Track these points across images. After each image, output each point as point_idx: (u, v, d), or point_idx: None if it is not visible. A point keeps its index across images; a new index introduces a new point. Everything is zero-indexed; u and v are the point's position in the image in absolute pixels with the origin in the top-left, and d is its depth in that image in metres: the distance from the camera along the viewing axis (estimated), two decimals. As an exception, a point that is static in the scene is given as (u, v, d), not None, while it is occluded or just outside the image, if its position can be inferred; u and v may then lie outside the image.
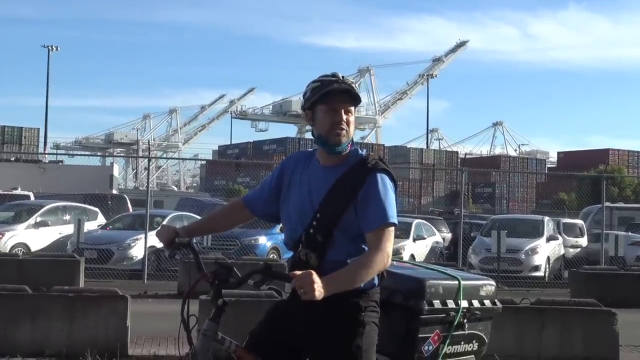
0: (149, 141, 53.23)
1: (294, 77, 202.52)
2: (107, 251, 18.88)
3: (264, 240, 19.80)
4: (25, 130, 77.47)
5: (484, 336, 4.28)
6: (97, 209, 22.85)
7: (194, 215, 23.25)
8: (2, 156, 58.42)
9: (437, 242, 23.94)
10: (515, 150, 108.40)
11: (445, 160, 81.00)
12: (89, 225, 20.15)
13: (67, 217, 21.05)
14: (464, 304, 4.13)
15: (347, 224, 3.64)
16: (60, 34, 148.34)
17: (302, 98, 3.86)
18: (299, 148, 77.38)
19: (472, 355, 4.25)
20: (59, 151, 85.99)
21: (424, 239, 23.02)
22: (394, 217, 3.65)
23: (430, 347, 4.05)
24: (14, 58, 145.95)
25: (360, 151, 3.82)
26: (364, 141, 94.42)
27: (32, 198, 26.34)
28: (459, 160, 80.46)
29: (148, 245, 18.20)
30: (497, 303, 4.33)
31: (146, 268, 18.03)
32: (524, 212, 59.41)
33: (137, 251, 18.97)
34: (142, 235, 18.53)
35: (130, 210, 24.93)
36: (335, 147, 3.72)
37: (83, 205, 22.84)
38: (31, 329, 8.48)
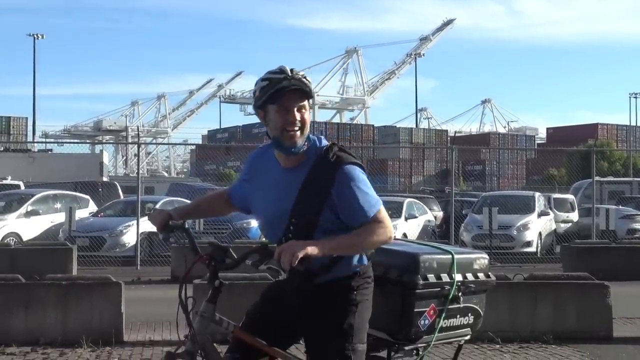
0: (137, 127, 52.87)
1: (281, 60, 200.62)
2: (99, 238, 18.86)
3: (256, 224, 19.76)
4: (13, 119, 76.95)
5: (479, 309, 4.33)
6: (88, 197, 22.81)
7: (186, 201, 23.17)
8: (-10, 146, 58.19)
9: (429, 221, 24.01)
10: (505, 127, 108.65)
11: (435, 139, 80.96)
12: (80, 213, 20.13)
13: (58, 206, 21.02)
14: (458, 277, 4.18)
15: (325, 222, 3.59)
16: (45, 22, 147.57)
17: (252, 96, 3.70)
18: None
19: (468, 328, 4.30)
20: (47, 140, 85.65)
21: (416, 217, 23.08)
22: (379, 201, 3.64)
23: (427, 322, 4.10)
24: (0, 47, 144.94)
25: (318, 142, 3.69)
26: (354, 122, 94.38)
27: (23, 187, 26.27)
28: (449, 138, 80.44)
29: (140, 231, 18.19)
30: (491, 276, 4.38)
31: (139, 254, 18.03)
32: (514, 188, 59.47)
33: (129, 238, 18.95)
34: (134, 222, 18.53)
35: (121, 197, 24.90)
36: (290, 149, 3.60)
37: (74, 193, 22.81)
38: (25, 318, 8.48)
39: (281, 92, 3.55)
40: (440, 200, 30.03)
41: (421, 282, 4.03)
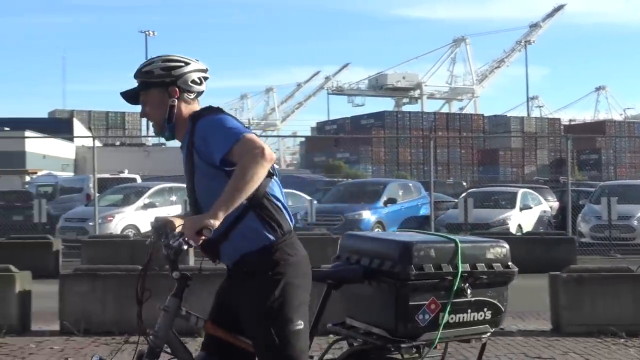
0: (249, 120, 53.62)
1: (388, 50, 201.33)
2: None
3: (368, 215, 19.73)
4: (128, 115, 79.28)
5: (497, 303, 3.89)
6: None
7: (297, 192, 23.44)
8: (107, 141, 60.13)
9: (544, 212, 23.36)
10: (621, 114, 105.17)
11: (548, 128, 79.24)
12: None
13: (174, 198, 21.40)
14: (464, 267, 3.79)
15: (203, 187, 3.61)
16: (156, 20, 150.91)
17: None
18: (397, 122, 76.91)
19: (486, 325, 3.90)
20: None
21: (531, 208, 22.49)
22: (244, 130, 3.55)
23: (427, 316, 3.74)
24: (113, 45, 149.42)
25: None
26: (463, 112, 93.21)
27: (139, 181, 26.95)
28: (562, 127, 78.53)
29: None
30: (511, 266, 3.93)
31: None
32: (633, 178, 57.60)
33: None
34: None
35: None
36: (164, 138, 3.86)
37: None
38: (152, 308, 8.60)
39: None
40: (556, 190, 29.21)
41: (414, 272, 3.68)
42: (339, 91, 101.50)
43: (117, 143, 56.18)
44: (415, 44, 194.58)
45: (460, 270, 3.77)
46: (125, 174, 29.08)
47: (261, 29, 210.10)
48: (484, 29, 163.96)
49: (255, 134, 3.57)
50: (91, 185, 22.70)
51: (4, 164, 34.28)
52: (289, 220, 3.70)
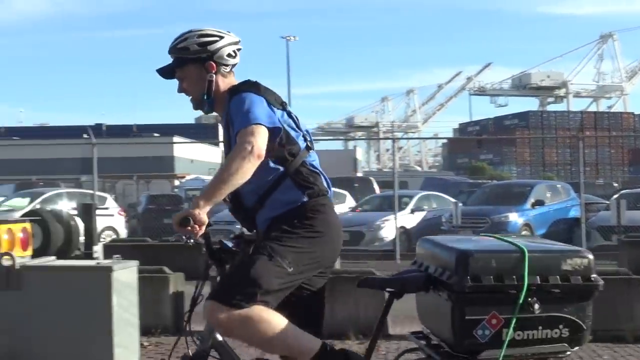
0: (392, 123, 53.60)
1: (532, 49, 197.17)
2: (358, 233, 19.15)
3: (515, 217, 19.26)
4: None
5: (577, 320, 3.49)
6: (345, 192, 23.28)
7: (441, 195, 23.18)
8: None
9: None
10: None
11: None
12: (339, 208, 20.54)
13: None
14: (532, 280, 3.42)
15: None
16: (297, 25, 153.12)
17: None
18: (542, 121, 75.04)
19: (563, 344, 3.50)
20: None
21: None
22: (258, 119, 3.52)
23: (487, 332, 3.43)
24: (254, 51, 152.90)
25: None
26: (611, 110, 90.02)
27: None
28: None
29: (398, 225, 18.28)
30: (595, 279, 3.49)
31: (398, 248, 18.09)
32: None
33: (388, 232, 19.11)
34: (392, 216, 18.63)
35: (377, 191, 25.21)
36: (203, 112, 3.93)
37: (333, 189, 23.36)
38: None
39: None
40: None
41: (469, 284, 3.37)
42: (480, 91, 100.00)
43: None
44: (560, 42, 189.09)
45: (526, 283, 3.43)
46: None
47: (402, 31, 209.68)
48: (633, 24, 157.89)
49: (264, 125, 3.54)
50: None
51: (155, 168, 35.62)
52: (326, 185, 3.76)
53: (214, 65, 3.74)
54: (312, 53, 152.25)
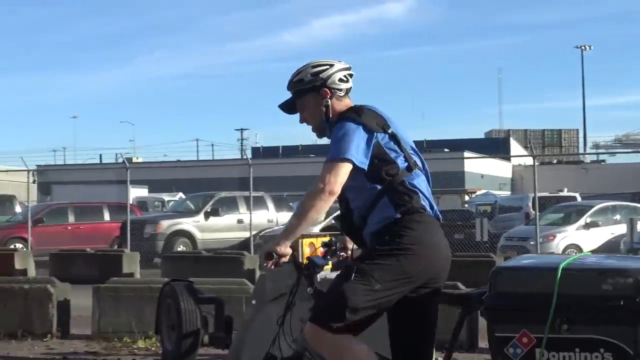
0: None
1: None
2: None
3: None
4: (565, 132, 78.33)
5: (621, 344, 3.15)
6: (646, 207, 21.98)
7: None
8: (544, 159, 59.88)
9: None
10: None
11: None
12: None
13: (618, 217, 20.59)
14: (564, 298, 3.20)
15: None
16: (592, 34, 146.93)
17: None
18: None
19: None
20: (599, 151, 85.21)
21: None
22: (345, 153, 3.78)
23: (519, 350, 3.30)
24: (548, 62, 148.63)
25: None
26: None
27: (579, 199, 26.32)
28: None
29: None
30: None
31: None
32: None
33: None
34: None
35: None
36: (323, 138, 4.17)
37: (633, 204, 22.17)
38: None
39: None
40: None
41: (494, 300, 3.37)
42: None
43: (554, 161, 55.66)
44: None
45: (554, 301, 3.19)
46: (565, 192, 28.67)
47: None
48: None
49: (348, 160, 3.79)
50: (530, 204, 22.62)
51: (444, 184, 35.66)
52: (424, 204, 3.91)
53: (328, 91, 4.03)
54: (606, 63, 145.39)
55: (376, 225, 3.86)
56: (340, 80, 4.05)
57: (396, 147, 3.94)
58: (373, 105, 4.04)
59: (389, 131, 3.93)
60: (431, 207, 3.96)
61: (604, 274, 3.29)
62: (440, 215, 4.00)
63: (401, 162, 3.93)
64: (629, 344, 3.20)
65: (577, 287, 3.27)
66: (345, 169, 3.79)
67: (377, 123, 3.90)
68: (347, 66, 4.11)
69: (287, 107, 4.17)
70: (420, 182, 3.98)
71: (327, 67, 4.04)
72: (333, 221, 19.96)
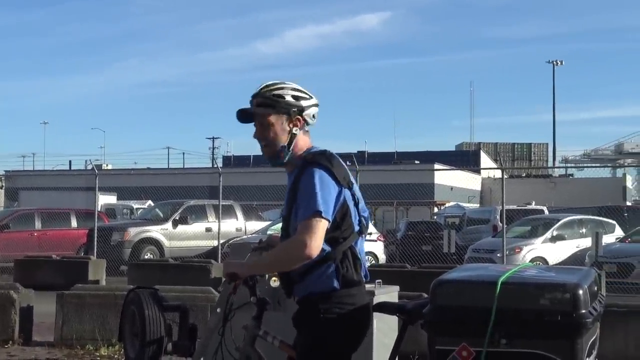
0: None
1: None
2: (628, 265, 18.07)
3: None
4: (534, 146, 78.95)
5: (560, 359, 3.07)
6: (613, 222, 22.20)
7: None
8: (513, 172, 60.29)
9: None
10: None
11: None
12: (607, 239, 19.58)
13: (584, 230, 20.78)
14: (502, 313, 3.16)
15: (295, 226, 3.66)
16: (563, 49, 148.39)
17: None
18: None
19: None
20: (567, 165, 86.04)
21: None
22: (325, 212, 3.56)
23: None
24: (519, 77, 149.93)
25: (312, 150, 3.82)
26: None
27: (546, 212, 26.53)
28: None
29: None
30: (580, 315, 3.12)
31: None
32: None
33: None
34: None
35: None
36: (270, 162, 3.89)
37: (599, 218, 22.38)
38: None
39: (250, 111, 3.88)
40: None
41: (434, 312, 3.36)
42: None
43: (523, 174, 56.08)
44: None
45: (493, 315, 3.19)
46: (532, 206, 28.87)
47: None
48: None
49: (326, 219, 3.57)
50: (498, 216, 22.75)
51: (414, 195, 35.82)
52: (363, 275, 3.77)
53: (302, 120, 3.83)
54: (578, 77, 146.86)
55: (312, 287, 3.70)
56: (313, 116, 3.87)
57: (354, 207, 3.76)
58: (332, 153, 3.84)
59: (353, 189, 3.76)
60: (366, 274, 3.84)
61: (542, 288, 3.29)
62: (369, 275, 3.88)
63: (356, 225, 3.75)
64: (567, 358, 3.22)
65: (515, 301, 3.25)
66: (324, 228, 3.58)
67: (344, 177, 3.71)
68: (318, 103, 3.93)
69: (246, 115, 3.88)
70: (362, 245, 3.81)
71: (308, 97, 3.85)
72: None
